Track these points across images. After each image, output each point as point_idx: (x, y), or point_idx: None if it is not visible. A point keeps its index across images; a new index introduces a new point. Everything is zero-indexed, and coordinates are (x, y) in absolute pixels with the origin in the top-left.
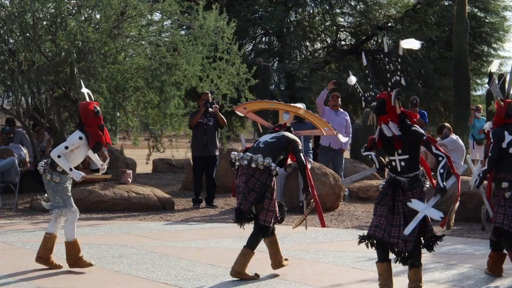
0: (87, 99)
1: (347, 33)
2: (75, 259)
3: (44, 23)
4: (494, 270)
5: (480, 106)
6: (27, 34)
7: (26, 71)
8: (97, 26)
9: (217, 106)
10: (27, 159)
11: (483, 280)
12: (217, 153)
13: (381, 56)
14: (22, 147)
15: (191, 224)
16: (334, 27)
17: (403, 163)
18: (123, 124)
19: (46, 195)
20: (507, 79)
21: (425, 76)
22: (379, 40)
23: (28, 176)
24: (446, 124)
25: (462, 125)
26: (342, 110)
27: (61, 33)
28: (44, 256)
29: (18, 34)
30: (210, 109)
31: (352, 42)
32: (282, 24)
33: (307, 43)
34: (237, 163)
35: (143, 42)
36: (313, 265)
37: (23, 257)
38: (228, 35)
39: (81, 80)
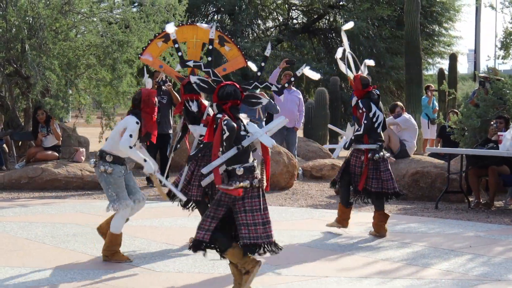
0: (147, 86)
1: (299, 12)
2: (113, 252)
3: None
4: (380, 229)
5: (432, 85)
6: None
7: None
8: (48, 2)
9: (170, 84)
10: None
11: (437, 258)
12: (170, 131)
13: (333, 35)
14: None
15: (145, 202)
16: (286, 6)
17: None
18: (75, 102)
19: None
20: (349, 58)
21: (377, 55)
22: (331, 19)
23: None
24: (399, 103)
25: (414, 104)
26: (294, 89)
27: (11, 9)
28: (108, 254)
29: None
30: (163, 87)
31: (304, 21)
32: (234, 2)
33: (259, 22)
34: None
35: (95, 19)
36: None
37: None
38: (180, 12)
39: (146, 73)
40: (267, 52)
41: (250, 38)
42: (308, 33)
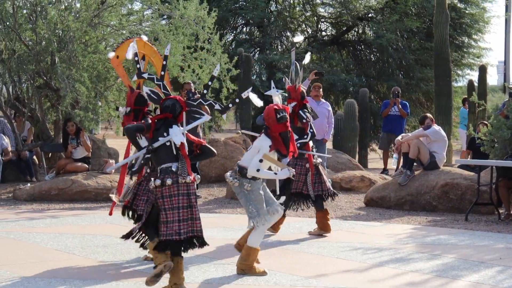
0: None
1: (327, 24)
2: (250, 266)
3: (24, 11)
4: (326, 227)
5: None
6: (7, 23)
7: (7, 60)
8: (78, 15)
9: (199, 96)
10: (9, 149)
11: (467, 270)
12: None
13: (362, 47)
14: (4, 137)
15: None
16: (315, 18)
17: None
18: (105, 114)
19: (29, 184)
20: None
21: (406, 67)
22: (360, 31)
23: (10, 166)
24: (429, 114)
25: (443, 116)
26: (324, 101)
27: (41, 21)
28: (245, 268)
29: None
30: (192, 99)
31: (332, 33)
32: (263, 14)
33: (288, 34)
34: None
35: (124, 32)
36: (297, 255)
37: (7, 247)
38: (209, 25)
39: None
40: (215, 72)
41: (279, 50)
42: (337, 45)
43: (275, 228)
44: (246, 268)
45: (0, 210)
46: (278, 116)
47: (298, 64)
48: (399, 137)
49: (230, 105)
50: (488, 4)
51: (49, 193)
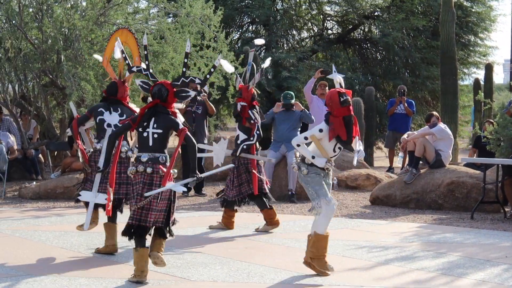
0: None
1: (333, 22)
2: (317, 254)
3: (30, 10)
4: (274, 222)
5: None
6: (13, 21)
7: (13, 58)
8: (84, 13)
9: (206, 94)
10: (15, 147)
11: (472, 268)
12: (205, 141)
13: (368, 45)
14: (10, 135)
15: (180, 212)
16: (321, 16)
17: None
18: None
19: (34, 182)
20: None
21: (412, 65)
22: (366, 29)
23: (16, 164)
24: (434, 112)
25: (450, 114)
26: None
27: (47, 20)
28: (315, 256)
29: (4, 21)
30: (198, 97)
31: (339, 31)
32: (269, 13)
33: (294, 32)
34: None
35: (130, 30)
36: (303, 253)
37: (13, 245)
38: (215, 23)
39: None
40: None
41: (285, 48)
42: (343, 44)
43: (230, 225)
44: (314, 256)
45: (5, 208)
46: (342, 99)
47: (254, 66)
48: (405, 135)
49: (208, 76)
50: (495, 3)
51: (54, 191)
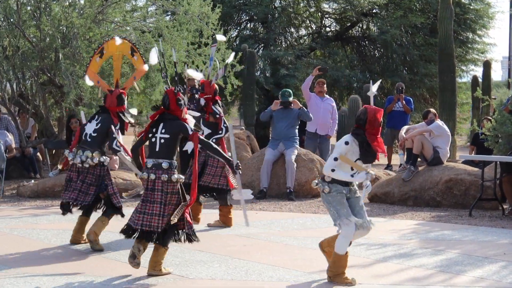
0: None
1: (332, 20)
2: (336, 274)
3: (28, 8)
4: (229, 221)
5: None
6: (11, 20)
7: (11, 56)
8: (82, 12)
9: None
10: (13, 145)
11: (471, 265)
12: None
13: (366, 42)
14: (8, 133)
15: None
16: (319, 14)
17: None
18: None
19: (32, 181)
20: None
21: (410, 63)
22: (364, 27)
23: (14, 162)
24: (432, 109)
25: (448, 112)
26: (327, 97)
27: (45, 18)
28: (332, 275)
29: (2, 19)
30: (196, 95)
31: (337, 29)
32: (267, 10)
33: (292, 30)
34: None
35: (128, 28)
36: (301, 251)
37: (10, 243)
38: (213, 21)
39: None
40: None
41: (283, 46)
42: (341, 41)
43: (228, 222)
44: (332, 275)
45: (4, 207)
46: (381, 120)
47: (217, 61)
48: (403, 130)
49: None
50: (493, 0)
51: (52, 190)
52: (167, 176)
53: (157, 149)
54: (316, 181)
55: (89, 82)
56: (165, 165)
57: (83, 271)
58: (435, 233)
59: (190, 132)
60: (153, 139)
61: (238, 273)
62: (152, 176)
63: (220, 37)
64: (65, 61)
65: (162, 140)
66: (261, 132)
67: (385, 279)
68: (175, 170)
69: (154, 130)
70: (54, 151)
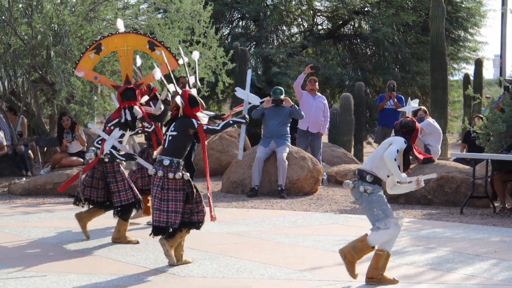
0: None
1: (323, 18)
2: (382, 273)
3: (20, 5)
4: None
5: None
6: (3, 17)
7: (2, 54)
8: (73, 9)
9: (195, 90)
10: (4, 143)
11: (462, 263)
12: None
13: (358, 40)
14: None
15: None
16: (311, 12)
17: None
18: (100, 108)
19: (24, 178)
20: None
21: (402, 61)
22: (356, 25)
23: (5, 160)
24: (422, 107)
25: (439, 109)
26: (319, 94)
27: (37, 16)
28: (375, 276)
29: None
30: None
31: (329, 27)
32: (259, 8)
33: (284, 28)
34: None
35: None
36: (293, 249)
37: (2, 241)
38: (205, 19)
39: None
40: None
41: (275, 44)
42: (333, 39)
43: (147, 212)
44: (375, 275)
45: None
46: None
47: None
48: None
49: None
50: None
51: (44, 187)
52: (162, 172)
53: (165, 146)
54: (350, 181)
55: (78, 73)
56: (166, 162)
57: (74, 268)
58: (426, 231)
59: (196, 125)
60: (165, 137)
61: (229, 271)
62: (160, 173)
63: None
64: (57, 59)
65: (170, 137)
66: (253, 129)
67: None
68: (179, 168)
69: (168, 128)
70: (45, 148)
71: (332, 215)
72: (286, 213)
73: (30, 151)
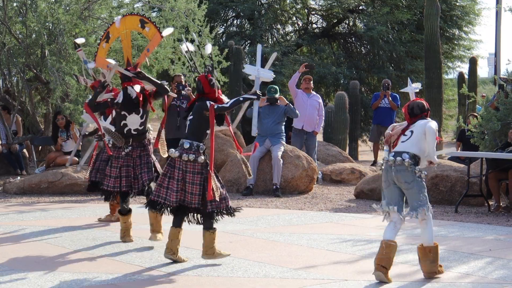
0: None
1: (318, 16)
2: (437, 265)
3: (14, 4)
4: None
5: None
6: None
7: None
8: (68, 8)
9: (190, 88)
10: None
11: (456, 261)
12: None
13: (353, 39)
14: None
15: None
16: (306, 10)
17: None
18: None
19: (18, 177)
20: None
21: (397, 59)
22: (351, 23)
23: (0, 159)
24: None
25: (434, 108)
26: (314, 93)
27: (31, 14)
28: (383, 263)
29: None
30: (183, 91)
31: (323, 25)
32: (254, 7)
33: (279, 26)
34: None
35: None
36: (287, 248)
37: None
38: (200, 17)
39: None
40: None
41: (270, 42)
42: (328, 38)
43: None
44: (436, 269)
45: None
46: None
47: (88, 63)
48: (389, 129)
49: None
50: None
51: (39, 186)
52: (180, 153)
53: (186, 130)
54: (408, 160)
55: (89, 65)
56: (186, 145)
57: (69, 267)
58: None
59: (209, 105)
60: (186, 122)
61: (224, 270)
62: (176, 154)
63: (79, 40)
64: (51, 58)
65: (188, 122)
66: (248, 128)
67: (371, 275)
68: (199, 152)
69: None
70: (40, 147)
71: (327, 213)
72: (281, 212)
73: (25, 150)
